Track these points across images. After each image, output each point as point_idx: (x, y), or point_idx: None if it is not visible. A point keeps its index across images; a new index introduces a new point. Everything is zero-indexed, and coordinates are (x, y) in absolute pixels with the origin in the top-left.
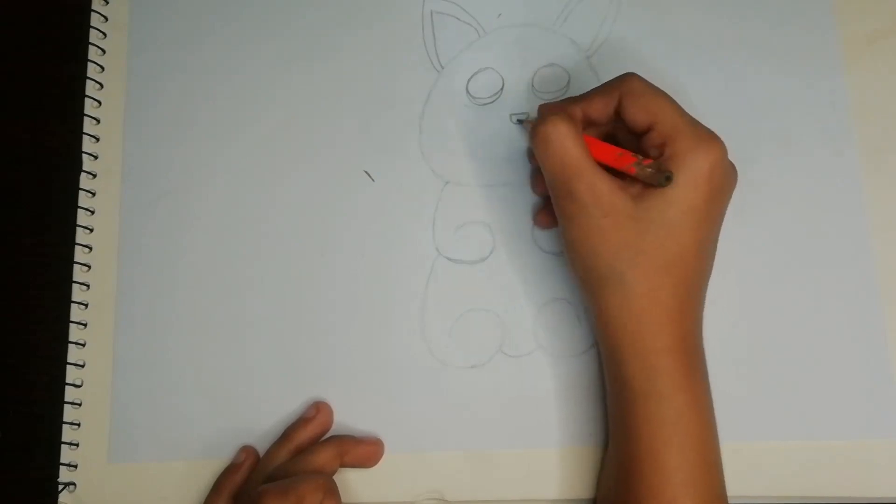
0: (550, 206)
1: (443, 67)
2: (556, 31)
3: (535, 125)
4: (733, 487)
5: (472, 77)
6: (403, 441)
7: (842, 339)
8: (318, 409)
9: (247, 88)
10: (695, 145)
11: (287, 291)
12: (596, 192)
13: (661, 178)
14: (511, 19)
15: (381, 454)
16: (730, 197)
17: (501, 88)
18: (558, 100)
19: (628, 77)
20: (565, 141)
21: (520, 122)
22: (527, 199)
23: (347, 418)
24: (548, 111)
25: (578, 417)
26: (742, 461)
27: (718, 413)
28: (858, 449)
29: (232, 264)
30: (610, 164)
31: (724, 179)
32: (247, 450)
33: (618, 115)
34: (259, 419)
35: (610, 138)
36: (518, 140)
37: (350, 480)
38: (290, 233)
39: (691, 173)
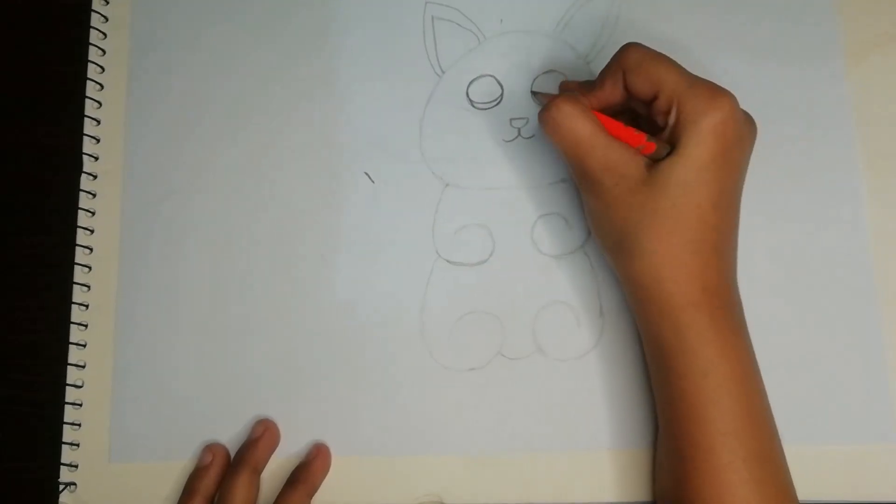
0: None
1: (443, 72)
2: (556, 38)
3: (540, 113)
4: None
5: (472, 82)
6: (402, 443)
7: (839, 344)
8: (265, 427)
9: (248, 89)
10: (698, 106)
11: (287, 293)
12: (609, 164)
13: (662, 154)
14: (511, 25)
15: (329, 459)
16: (749, 146)
17: (501, 94)
18: (576, 81)
19: (626, 49)
20: (572, 122)
21: (534, 93)
22: (526, 202)
23: (347, 420)
24: (555, 96)
25: (577, 420)
26: None
27: None
28: (854, 453)
29: (232, 265)
30: (624, 140)
31: (737, 131)
32: (213, 449)
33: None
34: (259, 420)
35: (625, 111)
36: (518, 145)
37: (349, 483)
38: (290, 235)
39: (698, 133)
